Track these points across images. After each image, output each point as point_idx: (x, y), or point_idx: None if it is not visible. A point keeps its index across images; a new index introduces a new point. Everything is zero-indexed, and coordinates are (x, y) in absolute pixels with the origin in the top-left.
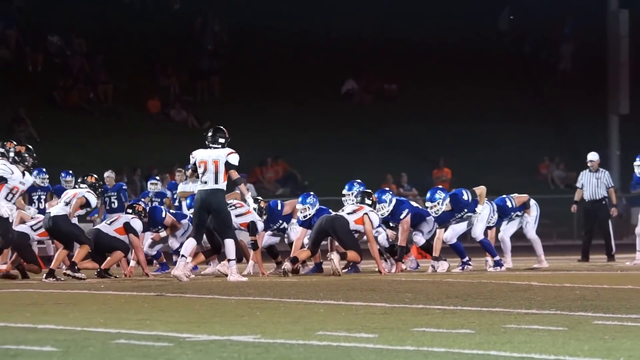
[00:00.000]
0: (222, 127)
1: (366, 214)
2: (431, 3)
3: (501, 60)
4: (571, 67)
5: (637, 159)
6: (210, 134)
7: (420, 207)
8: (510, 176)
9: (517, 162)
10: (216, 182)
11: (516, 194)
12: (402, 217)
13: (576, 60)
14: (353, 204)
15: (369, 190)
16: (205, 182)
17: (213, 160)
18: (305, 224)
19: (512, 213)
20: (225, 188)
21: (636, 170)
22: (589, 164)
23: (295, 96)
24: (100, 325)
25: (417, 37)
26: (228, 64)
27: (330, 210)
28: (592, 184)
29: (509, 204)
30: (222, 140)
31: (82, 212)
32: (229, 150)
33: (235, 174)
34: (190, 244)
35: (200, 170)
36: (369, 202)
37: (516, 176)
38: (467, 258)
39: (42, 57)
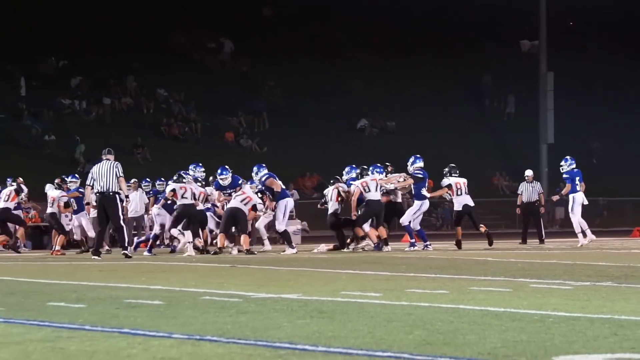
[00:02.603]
0: None
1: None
2: None
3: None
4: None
5: (563, 161)
6: None
7: None
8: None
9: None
10: None
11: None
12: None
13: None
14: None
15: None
16: None
17: None
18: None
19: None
20: None
21: (562, 169)
22: (525, 177)
23: (320, 131)
24: (192, 286)
25: None
26: (276, 107)
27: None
28: (528, 191)
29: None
30: None
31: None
32: None
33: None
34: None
35: None
36: None
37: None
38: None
39: (153, 103)
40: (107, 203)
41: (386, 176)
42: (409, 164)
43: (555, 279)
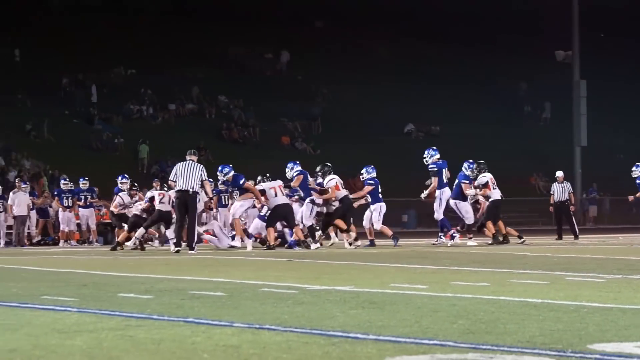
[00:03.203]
0: None
1: None
2: None
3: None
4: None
5: (634, 167)
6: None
7: None
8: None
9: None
10: None
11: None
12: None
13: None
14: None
15: None
16: None
17: None
18: None
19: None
20: None
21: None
22: (557, 178)
23: (370, 135)
24: (251, 279)
25: None
26: (329, 113)
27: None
28: (559, 191)
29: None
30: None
31: None
32: None
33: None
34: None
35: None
36: None
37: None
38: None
39: (215, 109)
40: (189, 201)
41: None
42: (427, 157)
43: (589, 272)
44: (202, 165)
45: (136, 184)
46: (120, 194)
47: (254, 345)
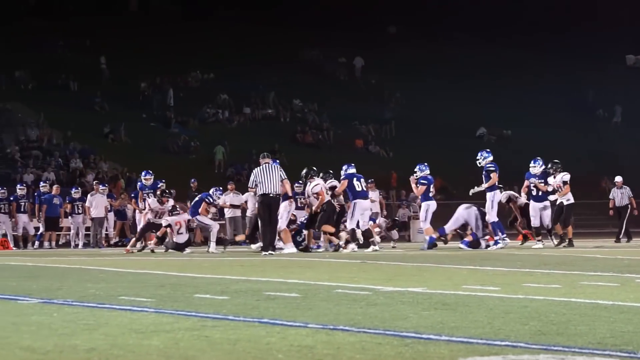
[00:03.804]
0: None
1: None
2: None
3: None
4: (621, 120)
5: None
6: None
7: None
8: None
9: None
10: None
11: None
12: None
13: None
14: None
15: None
16: None
17: None
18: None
19: None
20: None
21: None
22: (615, 183)
23: (442, 138)
24: (325, 280)
25: None
26: (402, 116)
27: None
28: (619, 196)
29: None
30: None
31: None
32: None
33: None
34: None
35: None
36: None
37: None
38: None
39: (289, 112)
40: (273, 205)
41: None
42: (480, 158)
43: None
44: (278, 165)
45: (169, 191)
46: (149, 200)
47: (328, 345)
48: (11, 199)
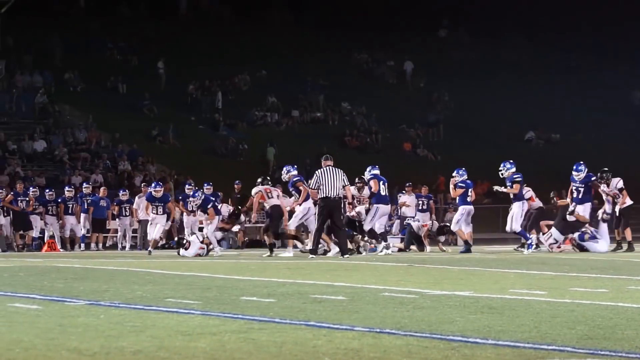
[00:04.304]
0: None
1: None
2: None
3: None
4: None
5: None
6: None
7: None
8: None
9: None
10: None
11: None
12: None
13: None
14: None
15: None
16: None
17: None
18: None
19: None
20: None
21: None
22: None
23: (491, 142)
24: (372, 283)
25: None
26: (450, 120)
27: None
28: None
29: None
30: None
31: None
32: None
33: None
34: None
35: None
36: None
37: None
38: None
39: (338, 116)
40: (335, 208)
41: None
42: (503, 169)
43: None
44: (342, 170)
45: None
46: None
47: (375, 348)
48: (59, 200)
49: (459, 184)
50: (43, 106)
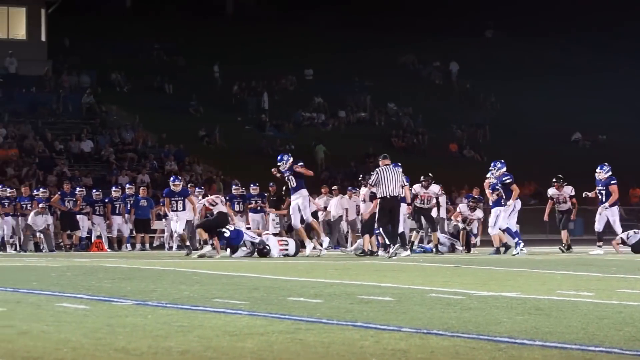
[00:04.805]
0: None
1: None
2: None
3: None
4: None
5: None
6: None
7: None
8: None
9: None
10: None
11: None
12: None
13: None
14: None
15: None
16: None
17: None
18: None
19: None
20: None
21: None
22: None
23: (536, 143)
24: (419, 284)
25: None
26: (496, 121)
27: None
28: None
29: None
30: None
31: None
32: None
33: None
34: None
35: None
36: None
37: None
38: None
39: (384, 116)
40: (395, 207)
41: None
42: (494, 169)
43: None
44: (400, 169)
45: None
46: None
47: (422, 349)
48: (106, 200)
49: (495, 187)
50: (90, 106)
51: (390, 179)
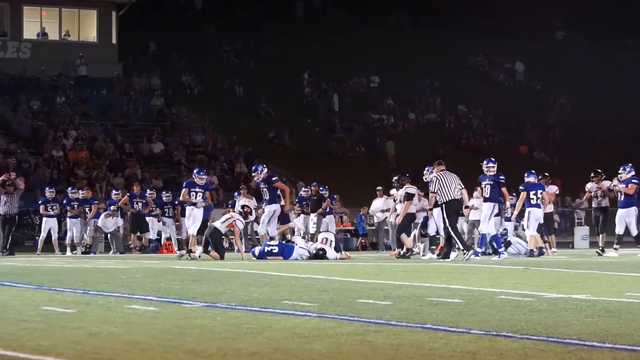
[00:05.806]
0: None
1: None
2: None
3: None
4: None
5: None
6: None
7: None
8: None
9: None
10: None
11: None
12: None
13: None
14: None
15: None
16: None
17: None
18: None
19: None
20: None
21: None
22: None
23: (609, 145)
24: (488, 286)
25: None
26: (567, 122)
27: None
28: None
29: None
30: None
31: None
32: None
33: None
34: None
35: None
36: None
37: None
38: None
39: (454, 118)
40: (460, 209)
41: None
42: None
43: None
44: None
45: None
46: None
47: (491, 351)
48: (176, 202)
49: (520, 188)
50: (160, 108)
51: (451, 182)
